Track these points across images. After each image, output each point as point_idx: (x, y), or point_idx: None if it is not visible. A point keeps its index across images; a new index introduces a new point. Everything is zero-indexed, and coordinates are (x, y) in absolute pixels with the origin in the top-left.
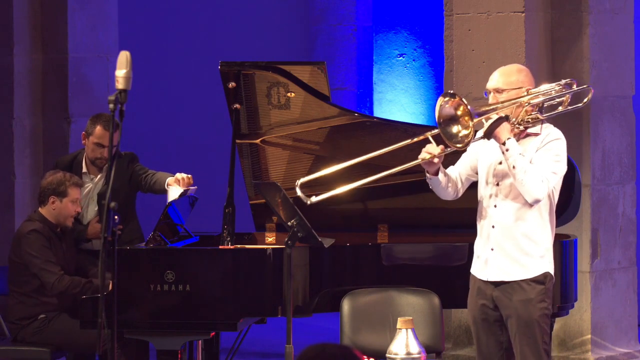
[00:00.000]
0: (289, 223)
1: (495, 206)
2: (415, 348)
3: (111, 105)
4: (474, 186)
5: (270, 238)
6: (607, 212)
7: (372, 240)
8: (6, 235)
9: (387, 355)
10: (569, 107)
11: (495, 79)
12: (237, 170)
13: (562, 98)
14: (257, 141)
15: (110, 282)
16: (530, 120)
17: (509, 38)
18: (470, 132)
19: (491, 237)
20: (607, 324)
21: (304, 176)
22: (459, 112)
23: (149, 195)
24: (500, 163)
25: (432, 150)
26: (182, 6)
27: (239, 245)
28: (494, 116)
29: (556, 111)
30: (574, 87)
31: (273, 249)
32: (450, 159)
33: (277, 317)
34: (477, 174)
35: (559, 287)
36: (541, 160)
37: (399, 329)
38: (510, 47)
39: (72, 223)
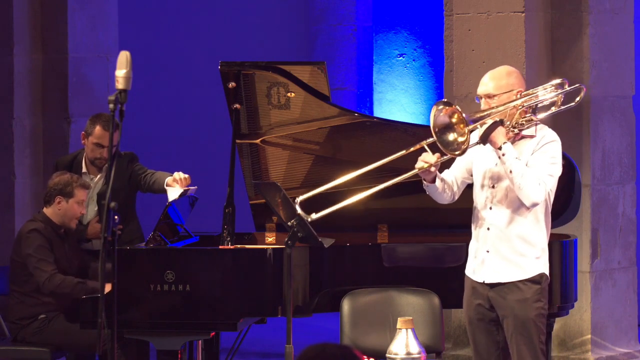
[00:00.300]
0: (289, 223)
1: (490, 208)
2: (415, 348)
3: (111, 105)
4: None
5: (270, 238)
6: (607, 212)
7: (372, 240)
8: (6, 235)
9: (387, 355)
10: (562, 107)
11: (486, 84)
12: (237, 170)
13: (555, 98)
14: (257, 141)
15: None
16: (524, 122)
17: (509, 38)
18: (466, 139)
19: (486, 239)
20: (607, 324)
21: (303, 176)
22: (453, 120)
23: (149, 195)
24: (496, 165)
25: (428, 159)
26: (182, 6)
27: (239, 245)
28: (489, 121)
29: (549, 112)
30: (566, 86)
31: (273, 249)
32: (445, 162)
33: (277, 317)
34: (472, 176)
35: (559, 287)
36: (537, 163)
37: (399, 329)
38: (510, 47)
39: (75, 225)
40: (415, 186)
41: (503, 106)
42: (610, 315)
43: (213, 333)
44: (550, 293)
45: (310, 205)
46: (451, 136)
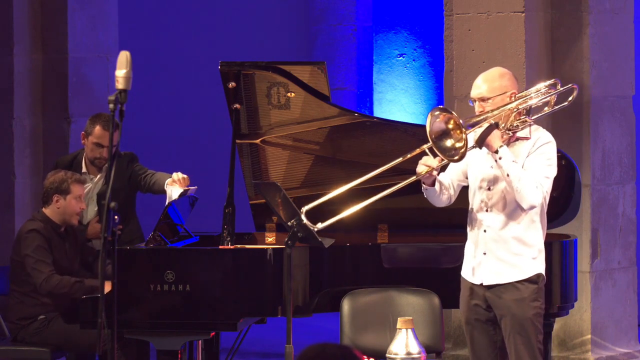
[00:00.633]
0: (289, 223)
1: (486, 211)
2: (415, 348)
3: (111, 105)
4: None
5: (270, 238)
6: (607, 212)
7: (372, 240)
8: (6, 235)
9: (387, 355)
10: (556, 107)
11: (479, 87)
12: (237, 170)
13: (548, 99)
14: (257, 141)
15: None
16: (518, 124)
17: (509, 38)
18: (464, 144)
19: (483, 241)
20: (607, 324)
21: (303, 176)
22: (450, 126)
23: (148, 195)
24: (491, 167)
25: (430, 162)
26: (182, 6)
27: (239, 245)
28: (484, 124)
29: (543, 112)
30: (559, 87)
31: (273, 249)
32: (442, 166)
33: (277, 317)
34: (467, 178)
35: (559, 287)
36: (534, 165)
37: (399, 329)
38: (510, 47)
39: (77, 221)
40: (415, 186)
41: (498, 110)
42: (610, 315)
43: (213, 333)
44: (550, 293)
45: (313, 210)
46: (449, 142)
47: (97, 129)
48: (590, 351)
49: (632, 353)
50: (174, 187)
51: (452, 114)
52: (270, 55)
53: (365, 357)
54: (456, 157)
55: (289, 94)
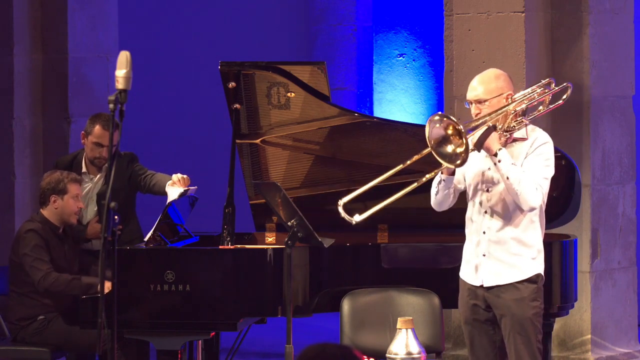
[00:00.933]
0: (289, 223)
1: (485, 212)
2: (415, 348)
3: (111, 105)
4: None
5: (270, 238)
6: (607, 212)
7: (372, 240)
8: (6, 235)
9: (387, 355)
10: (551, 106)
11: (475, 89)
12: (237, 170)
13: (543, 98)
14: (257, 141)
15: (110, 282)
16: (515, 125)
17: (509, 38)
18: (465, 149)
19: (482, 243)
20: (607, 324)
21: (303, 176)
22: (449, 132)
23: (148, 195)
24: (489, 169)
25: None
26: (182, 6)
27: (239, 245)
28: (482, 127)
29: (538, 112)
30: (553, 86)
31: (273, 249)
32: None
33: (277, 317)
34: (465, 181)
35: (559, 287)
36: (532, 166)
37: (399, 329)
38: (510, 47)
39: (76, 220)
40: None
41: (496, 113)
42: (610, 315)
43: (213, 333)
44: (550, 293)
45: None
46: (449, 148)
47: (97, 128)
48: (590, 351)
49: (632, 353)
50: (174, 187)
51: (450, 119)
52: (270, 55)
53: (365, 357)
54: (458, 162)
55: (289, 94)
